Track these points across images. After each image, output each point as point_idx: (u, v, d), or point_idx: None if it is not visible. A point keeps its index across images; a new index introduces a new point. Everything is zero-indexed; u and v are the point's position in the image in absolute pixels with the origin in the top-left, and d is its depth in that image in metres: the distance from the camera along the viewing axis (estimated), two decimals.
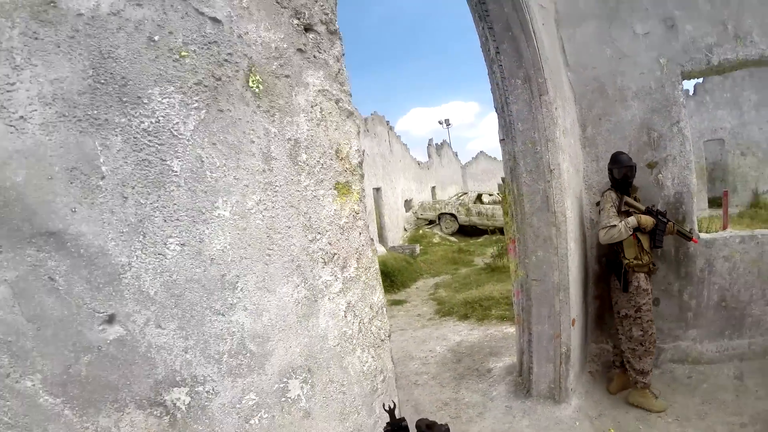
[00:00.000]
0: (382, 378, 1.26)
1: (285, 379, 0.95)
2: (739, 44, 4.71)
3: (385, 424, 1.13)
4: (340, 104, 1.14)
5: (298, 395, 0.98)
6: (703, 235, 4.94)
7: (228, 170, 0.87)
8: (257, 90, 0.91)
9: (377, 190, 20.03)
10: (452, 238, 18.59)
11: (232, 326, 0.85)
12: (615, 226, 4.13)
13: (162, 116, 0.80)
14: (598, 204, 4.49)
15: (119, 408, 0.72)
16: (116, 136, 0.77)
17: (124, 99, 0.78)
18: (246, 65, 0.90)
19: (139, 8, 0.79)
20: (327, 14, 1.10)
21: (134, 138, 0.79)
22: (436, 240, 18.28)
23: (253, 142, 0.90)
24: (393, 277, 11.92)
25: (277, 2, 0.96)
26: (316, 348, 1.03)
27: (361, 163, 1.30)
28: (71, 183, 0.70)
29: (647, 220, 4.21)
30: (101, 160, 0.76)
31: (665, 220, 4.32)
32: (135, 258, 0.77)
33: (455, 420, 4.39)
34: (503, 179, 4.42)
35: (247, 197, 0.89)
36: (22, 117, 0.69)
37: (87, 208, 0.72)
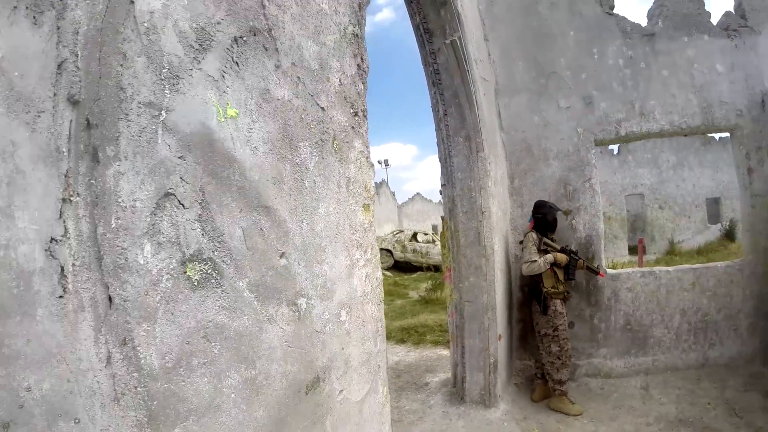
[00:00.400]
0: (380, 324, 1.94)
1: (339, 309, 1.61)
2: (643, 120, 5.82)
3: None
4: (368, 159, 1.85)
5: (345, 320, 1.63)
6: (610, 271, 5.90)
7: (324, 189, 1.55)
8: (335, 149, 1.60)
9: None
10: (388, 273, 19.25)
11: (323, 271, 1.52)
12: (535, 261, 4.94)
13: (304, 157, 1.49)
14: (521, 242, 5.31)
15: (278, 303, 1.37)
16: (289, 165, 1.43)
17: (288, 149, 1.46)
18: (332, 134, 1.60)
19: (297, 99, 1.47)
20: (363, 106, 1.83)
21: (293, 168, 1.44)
22: None
23: (333, 175, 1.59)
24: None
25: (345, 99, 1.69)
26: (352, 296, 1.69)
27: (373, 194, 2.04)
28: (277, 186, 1.33)
29: (561, 257, 5.08)
30: (299, 178, 1.41)
31: (577, 257, 5.22)
32: (294, 225, 1.43)
33: (398, 423, 4.89)
34: (443, 218, 5.22)
35: (330, 204, 1.57)
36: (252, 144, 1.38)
37: (282, 199, 1.33)
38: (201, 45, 0.98)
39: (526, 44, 5.94)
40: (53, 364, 0.80)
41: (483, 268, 4.68)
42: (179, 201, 0.90)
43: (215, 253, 1.00)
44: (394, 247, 20.65)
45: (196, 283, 0.95)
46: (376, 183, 31.55)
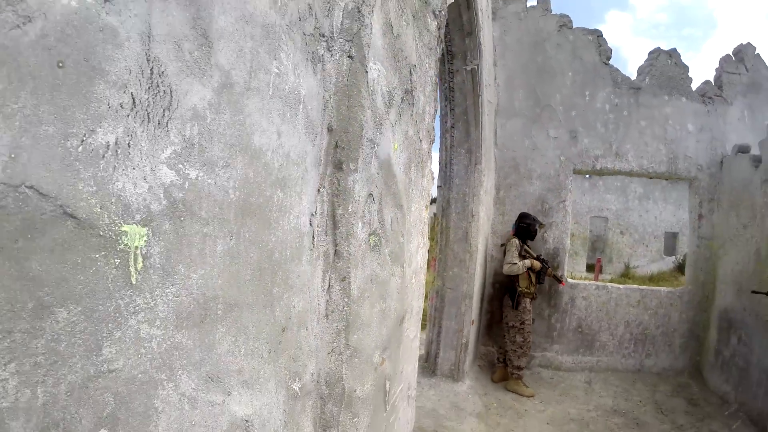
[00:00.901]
0: (423, 289, 2.49)
1: (413, 274, 2.10)
2: (617, 159, 6.61)
3: None
4: (432, 174, 2.42)
5: (414, 282, 2.12)
6: (570, 281, 6.74)
7: (415, 194, 2.00)
8: (421, 168, 2.15)
9: None
10: None
11: (410, 248, 1.97)
12: (516, 264, 5.67)
13: (412, 174, 2.10)
14: (503, 246, 6.07)
15: (397, 265, 1.82)
16: (407, 179, 2.03)
17: (408, 169, 2.05)
18: (421, 158, 2.16)
19: (413, 135, 2.06)
20: (434, 135, 2.40)
21: (408, 181, 2.05)
22: None
23: (418, 186, 2.02)
24: None
25: (428, 133, 2.28)
26: (418, 266, 2.20)
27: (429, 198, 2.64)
28: (405, 192, 1.91)
29: (536, 264, 5.87)
30: (408, 187, 2.02)
31: (548, 266, 6.04)
32: (406, 218, 2.00)
33: None
34: (435, 215, 5.88)
35: (415, 205, 2.05)
36: None
37: (404, 200, 1.89)
38: (389, 102, 1.58)
39: (529, 76, 6.66)
40: (304, 291, 1.34)
41: (466, 262, 5.37)
42: (373, 198, 1.50)
43: (380, 231, 1.60)
44: None
45: (372, 247, 1.55)
46: None
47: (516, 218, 6.03)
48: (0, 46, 0.54)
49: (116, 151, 0.68)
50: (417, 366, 2.42)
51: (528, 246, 5.96)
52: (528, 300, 5.86)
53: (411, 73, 1.79)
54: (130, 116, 0.70)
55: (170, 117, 0.77)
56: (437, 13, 2.25)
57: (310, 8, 1.21)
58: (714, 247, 6.63)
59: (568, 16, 6.76)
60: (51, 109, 0.60)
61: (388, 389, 1.77)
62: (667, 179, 7.14)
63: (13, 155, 0.56)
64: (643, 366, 6.73)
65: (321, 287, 1.38)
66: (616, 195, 19.96)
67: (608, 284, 6.92)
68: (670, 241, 20.86)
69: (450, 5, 4.44)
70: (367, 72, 1.44)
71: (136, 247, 0.74)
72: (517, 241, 5.82)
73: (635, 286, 7.16)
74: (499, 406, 5.50)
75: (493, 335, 6.70)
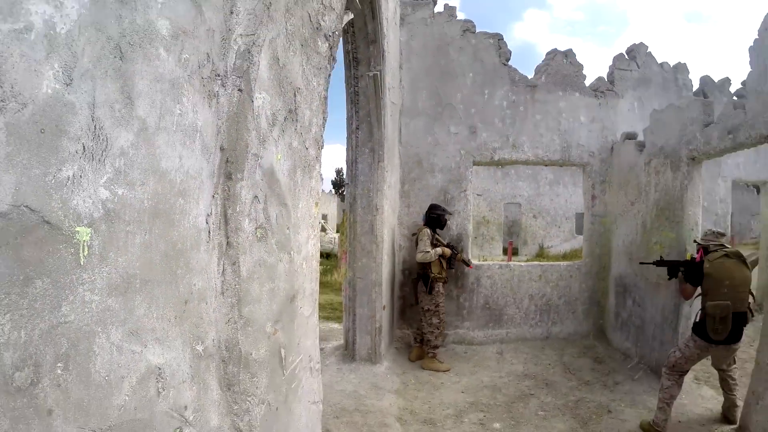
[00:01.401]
0: (316, 273, 2.94)
1: (303, 260, 2.49)
2: (514, 150, 7.40)
3: None
4: (320, 174, 2.88)
5: (305, 266, 2.49)
6: (475, 262, 7.50)
7: (302, 193, 2.48)
8: (308, 171, 2.61)
9: None
10: None
11: (299, 238, 2.40)
12: (429, 252, 6.27)
13: (297, 177, 2.56)
14: (414, 235, 6.68)
15: (284, 252, 2.35)
16: (293, 182, 2.52)
17: (293, 173, 2.51)
18: (308, 162, 2.65)
19: (298, 145, 2.55)
20: (323, 141, 2.88)
21: (293, 183, 2.53)
22: None
23: (305, 186, 2.51)
24: None
25: (316, 141, 2.74)
26: (308, 253, 2.60)
27: (320, 195, 3.11)
28: (288, 192, 2.39)
29: (447, 251, 6.52)
30: (294, 188, 2.49)
31: (457, 252, 6.72)
32: (292, 213, 2.45)
33: None
34: (344, 210, 6.37)
35: (303, 202, 2.57)
36: None
37: (290, 199, 2.38)
38: (272, 122, 2.03)
39: (433, 77, 7.32)
40: (203, 273, 1.72)
41: (374, 253, 5.91)
42: (258, 199, 1.95)
43: (266, 225, 2.05)
44: None
45: (259, 238, 2.00)
46: None
47: (426, 209, 6.61)
48: (10, 124, 0.98)
49: (73, 181, 1.11)
50: (318, 342, 2.85)
51: (438, 234, 6.55)
52: (440, 284, 6.49)
53: (295, 95, 2.24)
54: (82, 158, 1.13)
55: (106, 155, 1.20)
56: (329, 35, 2.70)
57: (208, 56, 1.65)
58: (607, 223, 7.65)
59: (471, 22, 7.45)
60: (36, 158, 1.02)
61: (283, 356, 2.22)
62: (561, 166, 8.00)
63: (16, 188, 0.99)
64: (550, 333, 7.66)
65: (217, 270, 1.82)
66: (527, 182, 21.38)
67: (511, 263, 7.82)
68: (581, 220, 22.22)
69: (356, 15, 4.93)
70: (252, 101, 1.89)
71: (84, 241, 1.16)
72: (428, 231, 6.40)
73: (536, 262, 8.13)
74: (417, 382, 6.09)
75: (407, 319, 7.34)
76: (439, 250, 6.42)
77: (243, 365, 1.93)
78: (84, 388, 1.18)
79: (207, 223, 1.74)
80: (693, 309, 5.10)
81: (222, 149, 1.81)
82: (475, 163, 7.49)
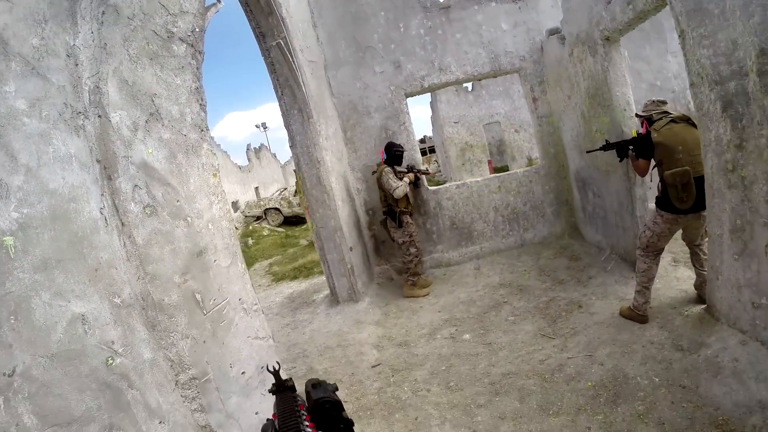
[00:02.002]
0: (232, 231, 3.91)
1: (207, 223, 3.57)
2: (442, 73, 8.01)
3: (271, 385, 1.45)
4: (212, 151, 3.82)
5: (211, 227, 3.51)
6: (431, 187, 8.22)
7: (192, 169, 3.46)
8: (193, 151, 3.50)
9: None
10: (280, 229, 21.07)
11: (195, 206, 3.41)
12: (400, 186, 6.93)
13: (180, 159, 3.47)
14: (374, 173, 7.35)
15: (179, 219, 3.26)
16: (174, 164, 3.44)
17: (173, 157, 3.42)
18: (191, 145, 3.53)
19: (173, 135, 3.46)
20: (206, 124, 3.76)
21: (177, 165, 3.44)
22: (265, 233, 20.65)
23: (195, 163, 3.44)
24: None
25: (194, 126, 3.62)
26: (213, 216, 3.57)
27: (218, 166, 3.99)
28: (171, 174, 3.32)
29: (411, 176, 7.31)
30: (179, 168, 3.41)
31: (416, 170, 7.51)
32: (181, 188, 3.40)
33: (294, 331, 7.01)
34: (294, 170, 7.22)
35: (195, 177, 3.50)
36: None
37: (173, 178, 3.33)
38: (134, 128, 2.93)
39: (347, 26, 7.96)
40: (107, 248, 2.70)
41: (327, 202, 6.80)
42: (139, 187, 2.87)
43: (153, 203, 2.96)
44: (281, 205, 22.60)
45: (149, 214, 2.93)
46: (255, 148, 32.68)
47: (384, 148, 7.28)
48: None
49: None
50: (250, 287, 3.72)
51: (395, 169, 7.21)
52: (407, 216, 7.16)
53: (153, 100, 3.12)
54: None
55: (9, 193, 2.11)
56: (187, 36, 3.49)
57: (66, 104, 2.56)
58: (554, 121, 8.01)
59: None
60: None
61: (200, 299, 3.16)
62: (495, 77, 8.52)
63: None
64: (524, 240, 8.26)
65: (119, 244, 2.76)
66: (502, 99, 21.94)
67: (467, 181, 8.44)
68: None
69: None
70: (110, 120, 2.79)
71: (10, 245, 2.09)
72: (388, 168, 7.03)
73: (493, 175, 8.67)
74: (398, 310, 6.93)
75: (383, 255, 8.29)
76: (406, 179, 7.15)
77: (159, 309, 2.88)
78: (30, 330, 2.12)
79: (102, 213, 2.65)
80: (646, 190, 5.60)
81: (98, 161, 2.73)
82: (407, 95, 8.10)
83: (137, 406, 2.54)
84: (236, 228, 23.99)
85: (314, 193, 6.85)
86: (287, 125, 6.80)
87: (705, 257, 4.53)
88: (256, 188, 32.14)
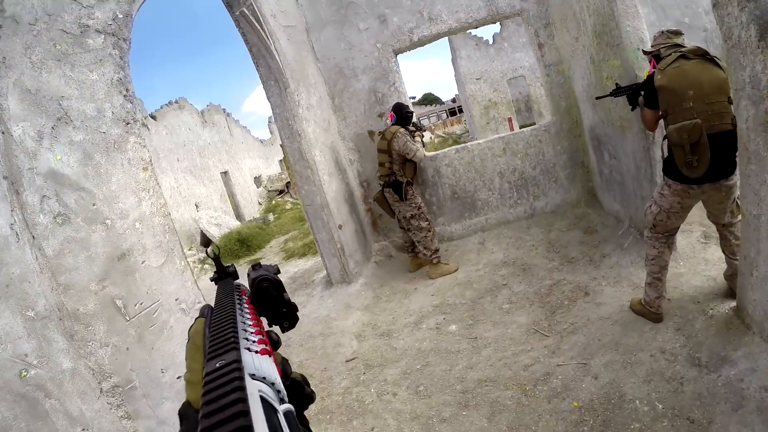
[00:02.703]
0: (169, 226, 3.92)
1: (134, 222, 3.60)
2: (432, 24, 7.67)
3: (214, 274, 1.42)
4: (141, 144, 3.81)
5: (139, 226, 3.61)
6: (428, 153, 7.97)
7: (115, 167, 3.51)
8: (117, 147, 3.52)
9: (225, 173, 23.25)
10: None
11: (119, 206, 3.51)
12: (421, 149, 6.78)
13: (98, 159, 3.45)
14: (380, 135, 6.88)
15: (97, 224, 3.35)
16: (90, 167, 3.43)
17: (88, 159, 3.41)
18: (113, 141, 3.54)
19: (87, 135, 3.42)
20: (133, 116, 3.77)
21: (93, 167, 3.43)
22: (288, 206, 20.96)
23: (118, 160, 3.52)
24: (248, 242, 14.97)
25: (119, 119, 3.61)
26: (144, 213, 3.66)
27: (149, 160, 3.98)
28: (85, 178, 3.31)
29: (420, 134, 7.10)
30: (97, 169, 3.40)
31: (419, 127, 7.18)
32: (98, 191, 3.41)
33: None
34: (281, 145, 7.17)
35: (120, 174, 3.53)
36: None
37: (88, 181, 3.33)
38: (39, 138, 2.95)
39: None
40: (19, 263, 2.74)
41: (311, 177, 6.80)
42: (48, 197, 2.91)
43: (65, 211, 3.02)
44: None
45: (61, 223, 2.97)
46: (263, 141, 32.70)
47: (393, 109, 6.96)
48: None
49: None
50: (188, 284, 3.78)
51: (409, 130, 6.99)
52: (411, 187, 6.86)
53: (60, 103, 3.13)
54: None
55: None
56: (104, 27, 3.51)
57: None
58: (564, 70, 7.42)
59: None
60: None
61: (122, 305, 3.22)
62: (493, 23, 7.93)
63: None
64: (534, 210, 7.86)
65: (32, 258, 2.80)
66: (525, 51, 21.35)
67: (467, 144, 8.07)
68: None
69: None
70: (12, 134, 2.85)
71: None
72: (403, 130, 6.69)
73: (496, 136, 8.12)
74: (391, 293, 6.92)
75: (380, 230, 8.26)
76: (418, 140, 6.97)
77: (74, 319, 2.98)
78: None
79: (12, 229, 2.73)
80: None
81: (5, 177, 2.76)
82: (396, 52, 7.85)
83: (56, 414, 2.67)
84: (259, 203, 24.53)
85: (297, 168, 6.86)
86: (267, 97, 6.78)
87: (737, 243, 3.74)
88: (280, 161, 31.92)
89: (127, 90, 3.60)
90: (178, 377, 3.46)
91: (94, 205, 3.20)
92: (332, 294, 7.14)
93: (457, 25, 7.70)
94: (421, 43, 7.88)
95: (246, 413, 0.47)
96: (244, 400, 0.50)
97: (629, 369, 3.71)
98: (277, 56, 6.40)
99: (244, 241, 14.81)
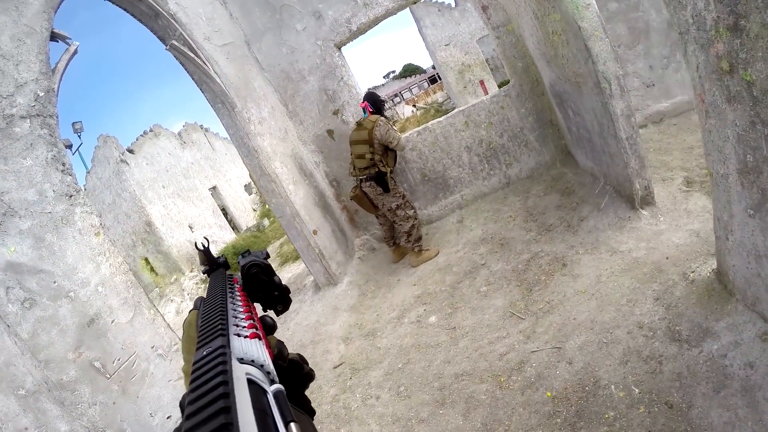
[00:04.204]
0: (131, 282, 4.36)
1: (96, 286, 4.08)
2: (368, 9, 7.85)
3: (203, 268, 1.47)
4: (89, 213, 4.22)
5: (101, 290, 4.09)
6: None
7: (68, 241, 3.95)
8: (64, 222, 3.95)
9: (213, 188, 24.26)
10: None
11: (79, 277, 3.95)
12: (401, 137, 7.06)
13: (50, 240, 3.88)
14: (359, 126, 7.06)
15: (61, 299, 3.81)
16: (45, 249, 3.86)
17: (40, 241, 3.84)
18: (60, 217, 3.97)
19: (52, 206, 3.85)
20: (76, 188, 4.17)
21: (47, 248, 3.86)
22: None
23: (69, 232, 3.99)
24: None
25: (64, 196, 4.03)
26: (105, 276, 4.14)
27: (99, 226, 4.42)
28: (41, 260, 3.71)
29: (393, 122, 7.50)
30: (50, 249, 3.82)
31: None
32: (56, 268, 3.85)
33: (282, 326, 7.52)
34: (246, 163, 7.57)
35: (73, 245, 3.97)
36: None
37: (45, 264, 3.74)
38: None
39: None
40: (3, 352, 3.27)
41: (276, 190, 7.18)
42: (11, 287, 3.43)
43: (30, 295, 3.54)
44: None
45: (28, 308, 3.49)
46: None
47: (367, 99, 7.20)
48: None
49: None
50: (161, 330, 4.25)
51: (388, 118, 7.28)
52: (392, 178, 7.09)
53: (2, 198, 3.59)
54: None
55: None
56: (29, 110, 3.89)
57: None
58: (513, 29, 7.48)
59: None
60: None
61: (100, 366, 3.70)
62: None
63: None
64: (509, 178, 8.14)
65: (11, 343, 3.30)
66: None
67: (428, 124, 8.27)
68: None
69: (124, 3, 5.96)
70: None
71: None
72: (383, 118, 6.97)
73: (456, 110, 8.24)
74: (376, 288, 7.33)
75: (359, 225, 8.68)
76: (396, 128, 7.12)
77: (61, 388, 3.49)
78: None
79: None
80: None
81: None
82: (337, 46, 8.05)
83: None
84: (254, 210, 25.05)
85: (262, 183, 7.24)
86: (220, 119, 7.17)
87: None
88: None
89: (63, 164, 4.03)
90: (168, 417, 3.96)
91: (54, 282, 3.67)
92: (321, 298, 7.56)
93: (395, 5, 7.80)
94: (362, 31, 8.01)
95: (226, 395, 0.55)
96: (226, 383, 0.57)
97: (605, 350, 3.72)
98: (218, 79, 6.77)
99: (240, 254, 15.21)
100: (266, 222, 19.32)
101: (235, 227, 23.87)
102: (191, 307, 1.29)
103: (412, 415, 4.24)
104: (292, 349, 4.54)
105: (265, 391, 0.70)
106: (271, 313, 1.35)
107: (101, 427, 3.55)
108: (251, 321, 0.99)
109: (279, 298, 1.40)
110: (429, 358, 4.96)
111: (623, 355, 3.55)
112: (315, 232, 7.47)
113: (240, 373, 0.66)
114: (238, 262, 1.38)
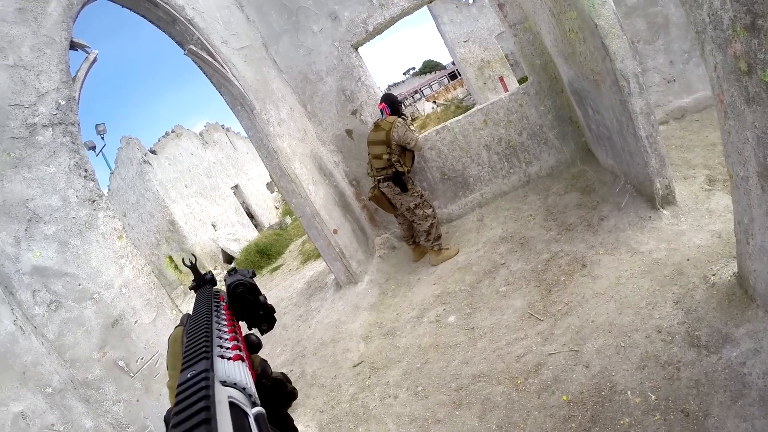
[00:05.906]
0: (153, 282, 4.46)
1: (120, 288, 4.22)
2: (384, 9, 7.89)
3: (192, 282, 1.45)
4: (112, 218, 4.34)
5: (125, 291, 4.25)
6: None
7: (92, 245, 4.10)
8: (88, 227, 4.11)
9: (235, 187, 24.50)
10: None
11: (104, 278, 4.10)
12: (419, 138, 7.13)
13: (75, 244, 4.00)
14: (377, 127, 7.15)
15: (86, 300, 3.93)
16: (69, 252, 3.98)
17: (68, 246, 3.96)
18: (84, 222, 4.10)
19: (72, 211, 3.98)
20: (99, 193, 4.30)
21: (71, 252, 3.97)
22: None
23: (93, 236, 4.13)
24: (268, 252, 15.75)
25: (90, 201, 4.16)
26: (128, 278, 4.28)
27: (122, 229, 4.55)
28: (66, 263, 3.85)
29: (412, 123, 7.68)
30: (76, 251, 3.95)
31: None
32: (81, 272, 3.98)
33: (304, 324, 7.74)
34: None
35: (97, 249, 4.11)
36: None
37: (69, 267, 3.86)
38: (17, 241, 3.63)
39: None
40: (30, 353, 3.42)
41: (296, 190, 7.32)
42: (38, 291, 3.59)
43: (56, 298, 3.68)
44: None
45: (55, 309, 3.60)
46: None
47: (384, 101, 7.30)
48: None
49: None
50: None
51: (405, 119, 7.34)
52: (410, 177, 7.21)
53: (27, 205, 3.73)
54: None
55: None
56: (51, 120, 4.04)
57: None
58: (530, 26, 7.42)
59: None
60: None
61: (124, 365, 3.83)
62: None
63: None
64: (529, 176, 8.11)
65: (39, 344, 3.44)
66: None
67: (447, 123, 8.34)
68: None
69: (138, 8, 6.08)
70: None
71: None
72: (400, 119, 7.02)
73: (474, 108, 8.28)
74: (396, 287, 7.40)
75: (379, 224, 8.77)
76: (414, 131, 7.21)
77: (86, 386, 3.64)
78: None
79: (16, 324, 3.39)
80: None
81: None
82: (354, 47, 8.12)
83: None
84: (276, 208, 25.29)
85: (282, 184, 7.38)
86: (239, 120, 7.33)
87: None
88: None
89: (86, 171, 4.16)
90: None
91: (79, 285, 3.81)
92: (342, 296, 7.66)
93: (411, 5, 7.81)
94: (378, 31, 8.13)
95: (208, 421, 0.57)
96: (208, 408, 0.60)
97: (622, 354, 3.68)
98: (236, 82, 6.91)
99: (263, 251, 15.62)
100: (288, 219, 19.35)
101: (257, 225, 24.17)
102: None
103: (429, 416, 4.27)
104: (313, 348, 4.68)
105: (246, 414, 0.73)
106: (256, 331, 1.40)
107: (125, 424, 3.69)
108: (235, 342, 1.03)
109: (264, 317, 1.44)
110: (447, 358, 4.96)
111: (641, 359, 3.52)
112: (335, 232, 7.57)
113: (222, 396, 0.69)
114: (224, 280, 1.42)
